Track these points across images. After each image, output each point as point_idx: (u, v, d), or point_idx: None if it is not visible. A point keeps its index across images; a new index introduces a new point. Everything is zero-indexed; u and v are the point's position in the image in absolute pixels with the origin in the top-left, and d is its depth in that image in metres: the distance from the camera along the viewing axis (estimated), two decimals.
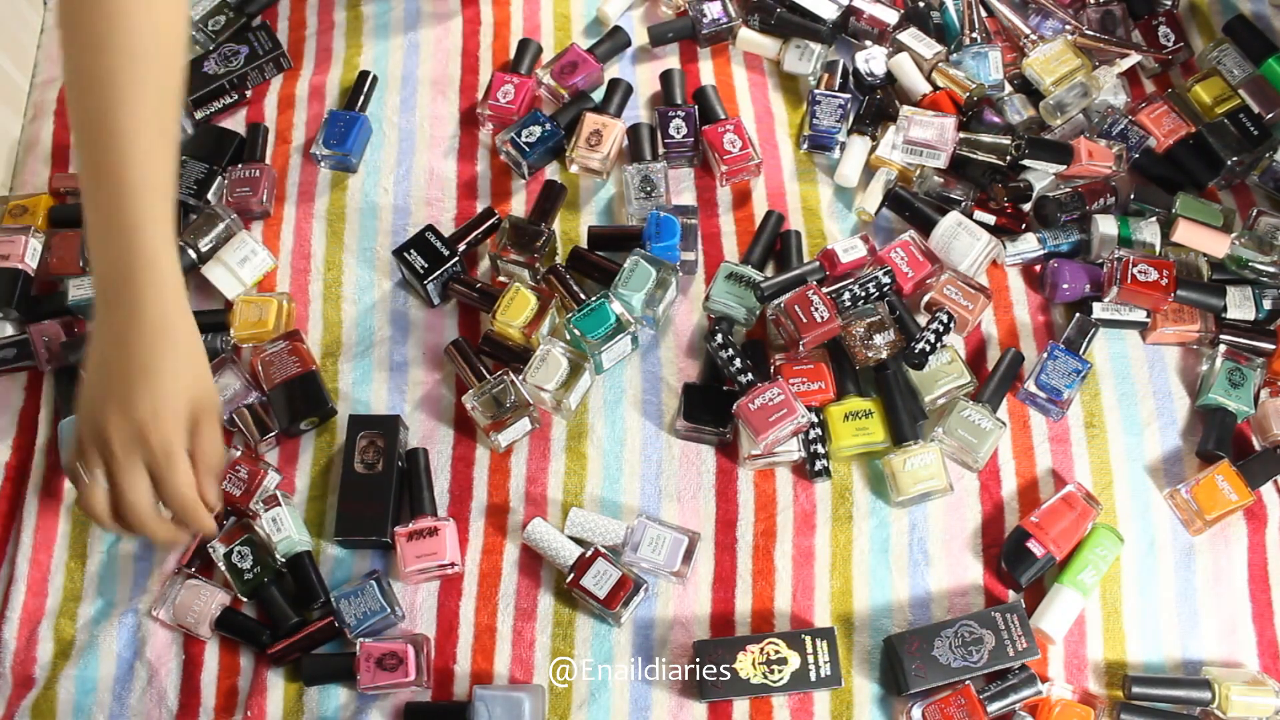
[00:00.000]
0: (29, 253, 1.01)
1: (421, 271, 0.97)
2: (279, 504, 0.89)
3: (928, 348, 0.93)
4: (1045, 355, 0.94)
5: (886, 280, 0.95)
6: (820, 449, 0.92)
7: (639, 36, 1.16)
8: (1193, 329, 0.97)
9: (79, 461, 0.75)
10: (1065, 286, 0.98)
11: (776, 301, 0.94)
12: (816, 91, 1.08)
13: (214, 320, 0.99)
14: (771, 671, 0.83)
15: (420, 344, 1.00)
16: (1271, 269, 0.97)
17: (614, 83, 1.11)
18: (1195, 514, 0.90)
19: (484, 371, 0.94)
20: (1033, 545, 0.88)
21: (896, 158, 1.04)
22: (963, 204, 1.02)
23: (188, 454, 0.75)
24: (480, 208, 1.06)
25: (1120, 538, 0.90)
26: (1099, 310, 0.98)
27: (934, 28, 1.12)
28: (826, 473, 0.92)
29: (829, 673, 0.83)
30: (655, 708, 0.85)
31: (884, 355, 0.93)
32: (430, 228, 1.00)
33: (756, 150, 1.05)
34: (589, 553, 0.87)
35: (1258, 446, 0.95)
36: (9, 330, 1.01)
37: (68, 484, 0.95)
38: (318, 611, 0.88)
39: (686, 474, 0.93)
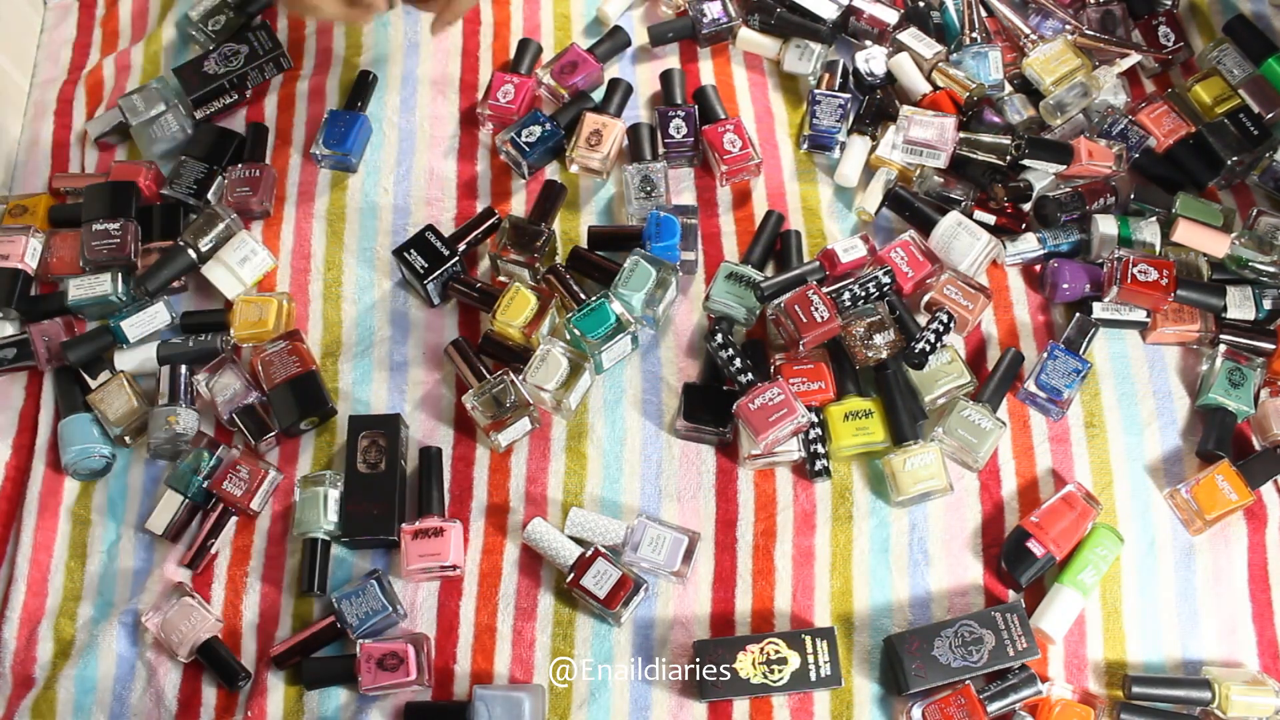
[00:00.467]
0: (29, 253, 1.01)
1: (421, 271, 0.97)
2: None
3: (928, 347, 0.93)
4: (1045, 355, 0.94)
5: (886, 280, 0.95)
6: (820, 449, 0.92)
7: (639, 36, 1.16)
8: (1193, 329, 0.97)
9: None
10: (1065, 286, 0.98)
11: (776, 301, 0.94)
12: (816, 91, 1.08)
13: (214, 320, 0.99)
14: (771, 671, 0.83)
15: (420, 344, 1.00)
16: (1271, 269, 0.97)
17: (614, 82, 1.10)
18: (1195, 514, 0.90)
19: (484, 371, 0.94)
20: (1033, 545, 0.88)
21: (896, 157, 1.04)
22: (963, 204, 1.02)
23: None
24: (480, 208, 1.06)
25: (1120, 538, 0.90)
26: (1099, 310, 0.97)
27: (934, 28, 1.12)
28: (826, 472, 0.92)
29: (829, 673, 0.83)
30: (655, 707, 0.85)
31: (884, 355, 0.93)
32: (430, 227, 1.00)
33: (756, 150, 1.05)
34: (589, 552, 0.87)
35: (1258, 446, 0.95)
36: (9, 330, 1.01)
37: (68, 484, 0.95)
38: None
39: (686, 474, 0.93)
